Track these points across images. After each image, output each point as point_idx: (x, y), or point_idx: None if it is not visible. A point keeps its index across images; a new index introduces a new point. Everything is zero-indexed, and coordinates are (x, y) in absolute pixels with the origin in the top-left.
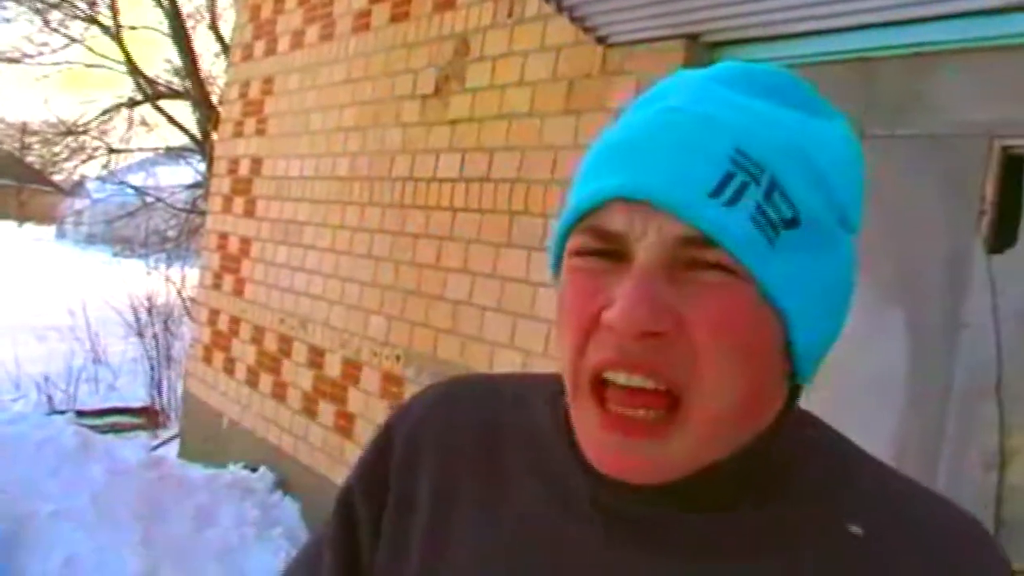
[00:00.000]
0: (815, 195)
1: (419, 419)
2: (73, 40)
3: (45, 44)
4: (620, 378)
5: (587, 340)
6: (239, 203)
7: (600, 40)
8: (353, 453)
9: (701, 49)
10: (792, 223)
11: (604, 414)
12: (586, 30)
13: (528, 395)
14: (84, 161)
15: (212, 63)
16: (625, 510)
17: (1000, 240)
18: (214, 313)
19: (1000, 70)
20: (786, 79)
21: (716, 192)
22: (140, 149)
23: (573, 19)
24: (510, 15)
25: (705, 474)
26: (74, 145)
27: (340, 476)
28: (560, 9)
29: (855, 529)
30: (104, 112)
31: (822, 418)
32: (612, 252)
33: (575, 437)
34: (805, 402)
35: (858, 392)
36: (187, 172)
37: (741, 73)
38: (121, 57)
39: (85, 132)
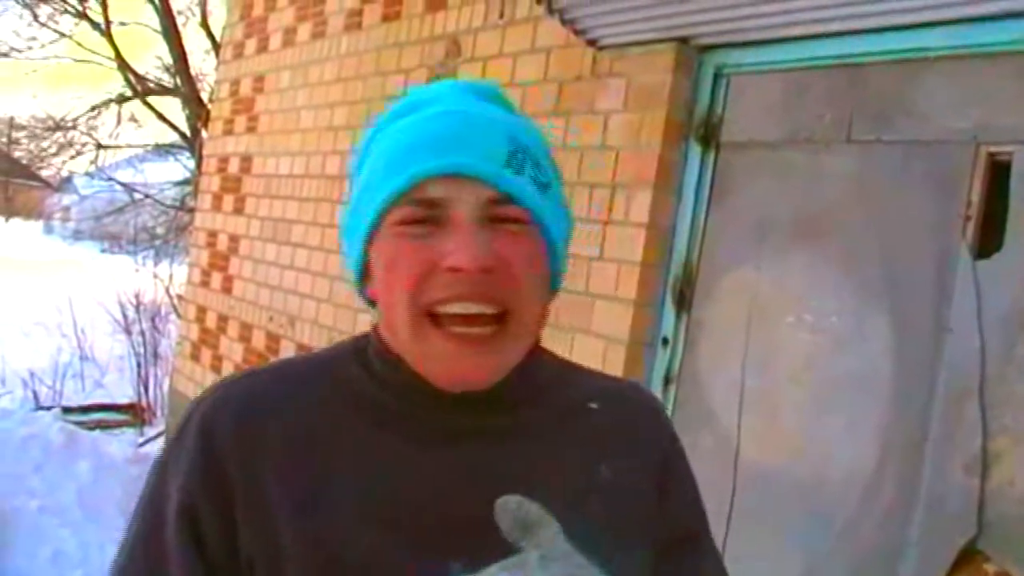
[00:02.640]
0: (552, 169)
1: (231, 434)
2: (62, 35)
3: (34, 39)
4: (456, 308)
5: (421, 287)
6: (228, 200)
7: (591, 42)
8: None
9: (691, 52)
10: (547, 186)
11: (450, 337)
12: (577, 32)
13: (331, 367)
14: (72, 157)
15: (203, 60)
16: (450, 430)
17: (985, 245)
18: (202, 310)
19: (986, 77)
20: (497, 89)
21: (507, 165)
22: (129, 145)
23: (564, 21)
24: (501, 16)
25: (508, 384)
26: (62, 141)
27: None
28: (551, 11)
29: (592, 405)
30: (93, 108)
31: (800, 415)
32: (431, 218)
33: (400, 382)
34: (791, 399)
35: (843, 392)
36: (176, 169)
37: (475, 86)
38: (111, 53)
39: (74, 128)
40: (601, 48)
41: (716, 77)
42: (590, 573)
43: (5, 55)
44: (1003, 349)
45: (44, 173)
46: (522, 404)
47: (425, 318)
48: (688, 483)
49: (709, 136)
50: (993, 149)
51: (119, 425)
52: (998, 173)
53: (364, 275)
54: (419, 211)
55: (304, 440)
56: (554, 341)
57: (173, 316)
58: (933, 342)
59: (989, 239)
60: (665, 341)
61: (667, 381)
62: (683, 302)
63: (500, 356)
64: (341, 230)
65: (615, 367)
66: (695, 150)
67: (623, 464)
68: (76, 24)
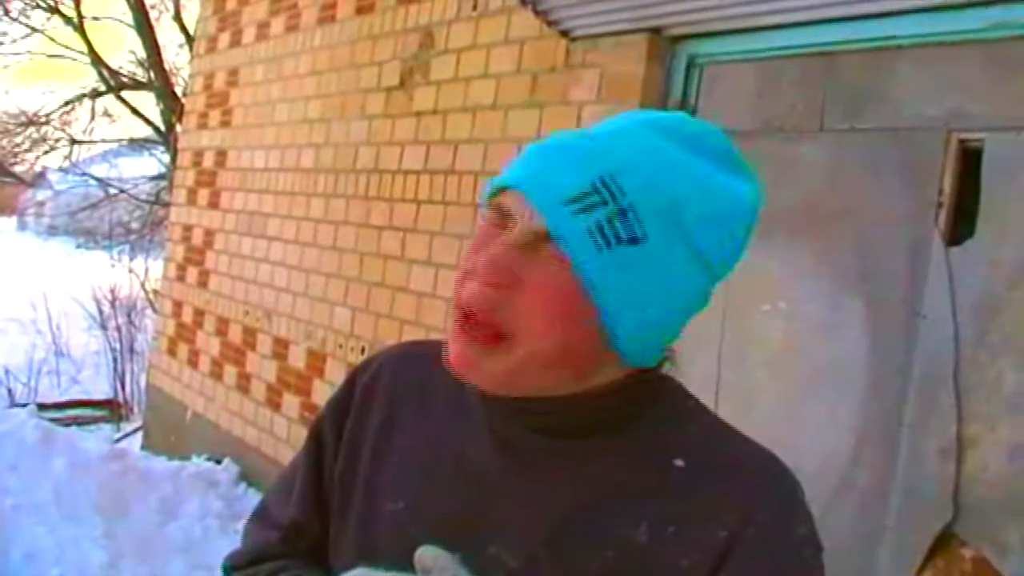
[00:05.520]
0: (671, 230)
1: (375, 372)
2: (35, 30)
3: (5, 34)
4: (459, 316)
5: (462, 279)
6: (203, 195)
7: (564, 34)
8: None
9: (664, 43)
10: (632, 241)
11: (458, 328)
12: (550, 23)
13: None
14: (46, 152)
15: (176, 54)
16: (511, 435)
17: (957, 232)
18: (178, 305)
19: (957, 65)
20: (719, 140)
21: (569, 202)
22: (103, 140)
23: (537, 12)
24: (475, 8)
25: (564, 409)
26: (36, 136)
27: None
28: (524, 2)
29: (678, 462)
30: (67, 103)
31: (776, 403)
32: (501, 225)
33: None
34: (767, 387)
35: (819, 380)
36: (151, 163)
37: (674, 123)
38: (84, 48)
39: (47, 123)
40: (574, 39)
41: (689, 67)
42: None
43: None
44: (976, 335)
45: (17, 169)
46: (584, 436)
47: (458, 310)
48: None
49: None
50: (964, 136)
51: (95, 421)
52: (969, 160)
53: None
54: (491, 214)
55: (405, 399)
56: None
57: (149, 311)
58: (907, 329)
59: (961, 226)
60: None
61: None
62: None
63: (490, 364)
64: None
65: None
66: None
67: (671, 531)
68: (48, 19)
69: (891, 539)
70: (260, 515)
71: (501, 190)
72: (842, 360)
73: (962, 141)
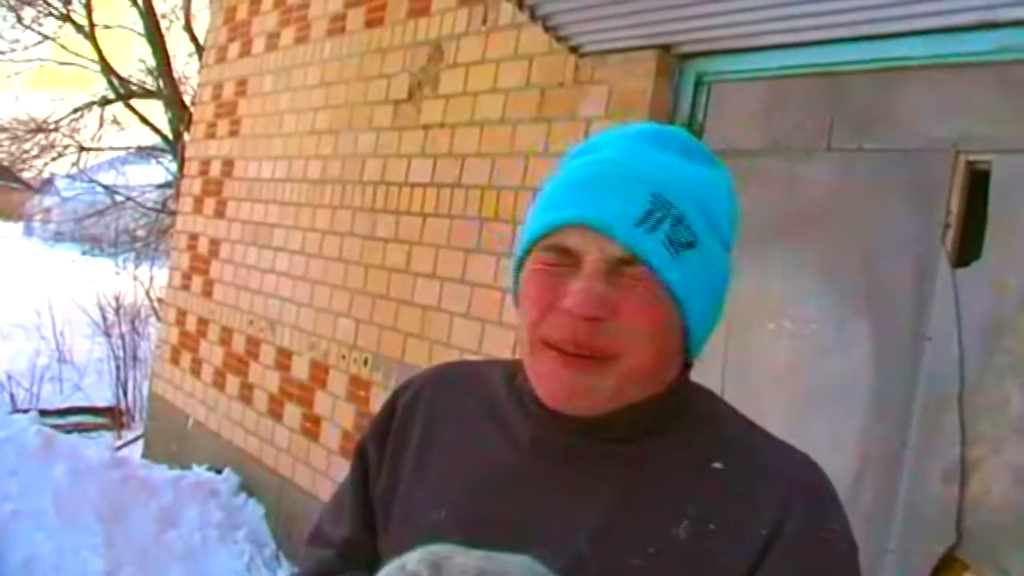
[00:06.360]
0: (707, 227)
1: (416, 392)
2: (46, 38)
3: (17, 41)
4: (569, 348)
5: (544, 318)
6: (210, 204)
7: (573, 49)
8: (319, 456)
9: (672, 60)
10: (690, 245)
11: (556, 358)
12: (559, 39)
13: (491, 374)
14: (54, 159)
15: (185, 63)
16: (553, 442)
17: (964, 254)
18: (182, 314)
19: (965, 86)
20: (689, 139)
21: (640, 223)
22: (111, 148)
23: (547, 28)
24: (484, 22)
25: (616, 415)
26: (44, 142)
27: (304, 479)
28: (534, 17)
29: (717, 464)
30: (75, 110)
31: (779, 422)
32: (567, 261)
33: (524, 394)
34: (771, 406)
35: (822, 400)
36: (158, 171)
37: (657, 133)
38: (94, 55)
39: (56, 130)
40: (583, 55)
41: (697, 85)
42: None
43: None
44: (982, 357)
45: (25, 175)
46: (629, 441)
47: (540, 342)
48: None
49: None
50: (972, 158)
51: (97, 428)
52: (977, 182)
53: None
54: (551, 256)
55: (443, 416)
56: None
57: (153, 319)
58: (912, 350)
59: (968, 247)
60: None
61: None
62: None
63: (597, 388)
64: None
65: None
66: None
67: (711, 528)
68: (60, 27)
69: (893, 562)
70: (314, 536)
71: (553, 231)
72: (846, 380)
73: (970, 163)
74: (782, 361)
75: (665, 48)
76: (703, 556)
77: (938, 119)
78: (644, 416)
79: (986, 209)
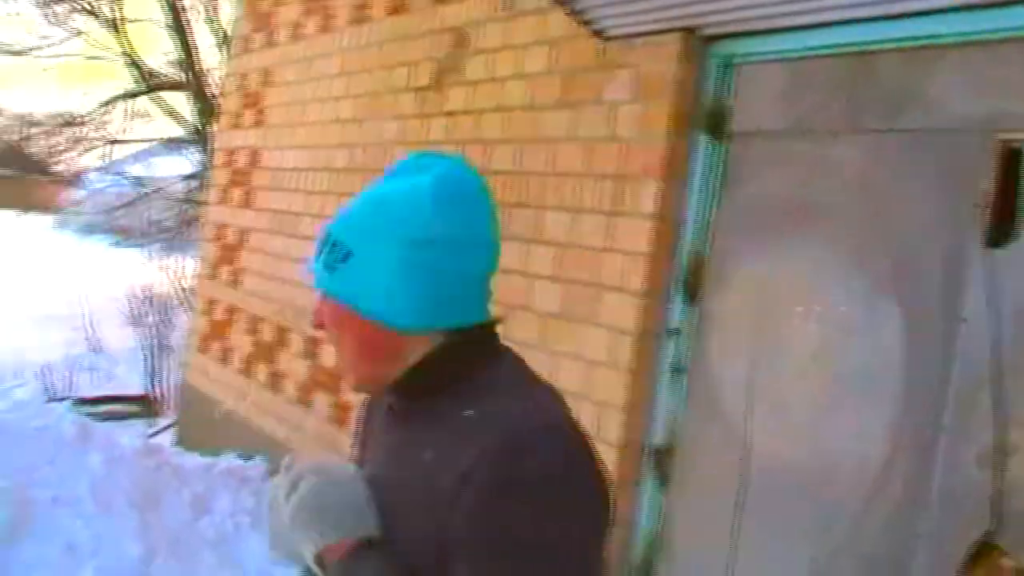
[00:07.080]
0: (368, 234)
1: (371, 399)
2: (78, 33)
3: (46, 37)
4: None
5: None
6: (237, 194)
7: (597, 33)
8: (347, 443)
9: (697, 43)
10: (345, 258)
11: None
12: (584, 23)
13: None
14: (84, 152)
15: (210, 54)
16: (393, 406)
17: (998, 235)
18: (211, 303)
19: (998, 64)
20: (411, 158)
21: (319, 254)
22: (139, 140)
23: (571, 12)
24: (508, 8)
25: (395, 384)
26: (74, 136)
27: None
28: (558, 2)
29: (468, 413)
30: (104, 104)
31: (809, 408)
32: None
33: None
34: (801, 390)
35: (853, 385)
36: (185, 162)
37: (395, 167)
38: (120, 49)
39: (85, 123)
40: (608, 39)
41: (723, 67)
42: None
43: (21, 53)
44: (1018, 339)
45: (57, 168)
46: (418, 399)
47: None
48: (471, 523)
49: (717, 126)
50: (1006, 137)
51: (130, 416)
52: (1011, 161)
53: None
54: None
55: (376, 410)
56: (562, 332)
57: (183, 308)
58: (946, 333)
59: (1002, 229)
60: (674, 332)
61: (676, 371)
62: (692, 293)
63: (346, 373)
64: None
65: (622, 358)
66: (703, 140)
67: (443, 458)
68: (87, 22)
69: (926, 548)
70: None
71: None
72: (878, 364)
73: (1004, 141)
74: (812, 345)
75: (690, 31)
76: (432, 476)
77: (970, 98)
78: (416, 379)
79: (1020, 188)
